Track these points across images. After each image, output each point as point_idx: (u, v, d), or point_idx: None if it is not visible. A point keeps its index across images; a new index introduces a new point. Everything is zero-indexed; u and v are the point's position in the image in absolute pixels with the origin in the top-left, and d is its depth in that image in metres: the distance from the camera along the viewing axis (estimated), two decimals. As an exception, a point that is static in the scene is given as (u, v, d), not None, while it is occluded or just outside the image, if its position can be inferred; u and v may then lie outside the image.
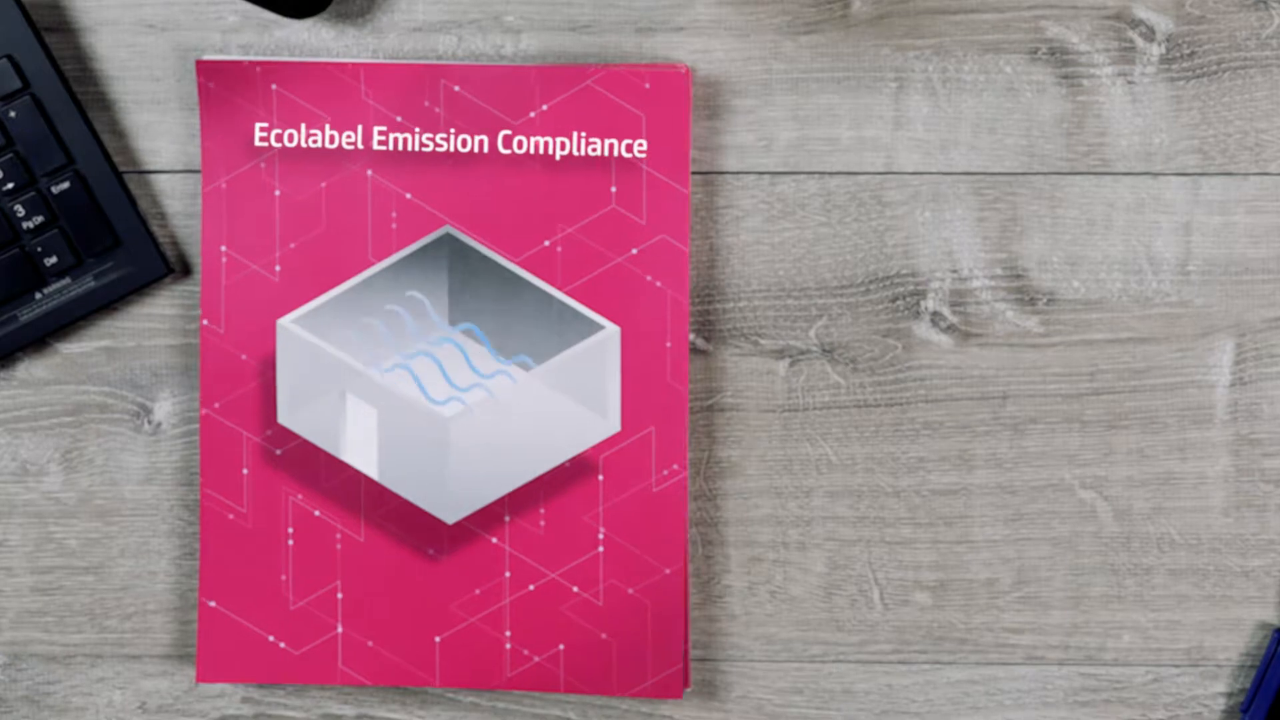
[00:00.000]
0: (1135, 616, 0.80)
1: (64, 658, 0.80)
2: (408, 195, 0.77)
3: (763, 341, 0.79)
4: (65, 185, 0.77)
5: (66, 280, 0.78)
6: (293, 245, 0.77)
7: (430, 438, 0.78)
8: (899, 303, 0.79)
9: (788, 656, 0.80)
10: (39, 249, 0.77)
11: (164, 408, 0.80)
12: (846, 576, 0.80)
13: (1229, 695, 0.80)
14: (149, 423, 0.80)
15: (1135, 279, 0.79)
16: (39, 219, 0.77)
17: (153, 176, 0.79)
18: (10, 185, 0.77)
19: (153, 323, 0.79)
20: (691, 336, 0.79)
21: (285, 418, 0.78)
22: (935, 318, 0.79)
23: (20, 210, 0.77)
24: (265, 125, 0.77)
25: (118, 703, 0.80)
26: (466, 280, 0.77)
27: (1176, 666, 0.80)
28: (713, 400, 0.80)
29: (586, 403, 0.78)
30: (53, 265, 0.77)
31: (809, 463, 0.80)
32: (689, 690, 0.80)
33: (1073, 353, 0.79)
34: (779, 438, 0.80)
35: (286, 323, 0.77)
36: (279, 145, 0.77)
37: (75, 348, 0.80)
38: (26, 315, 0.78)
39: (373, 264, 0.77)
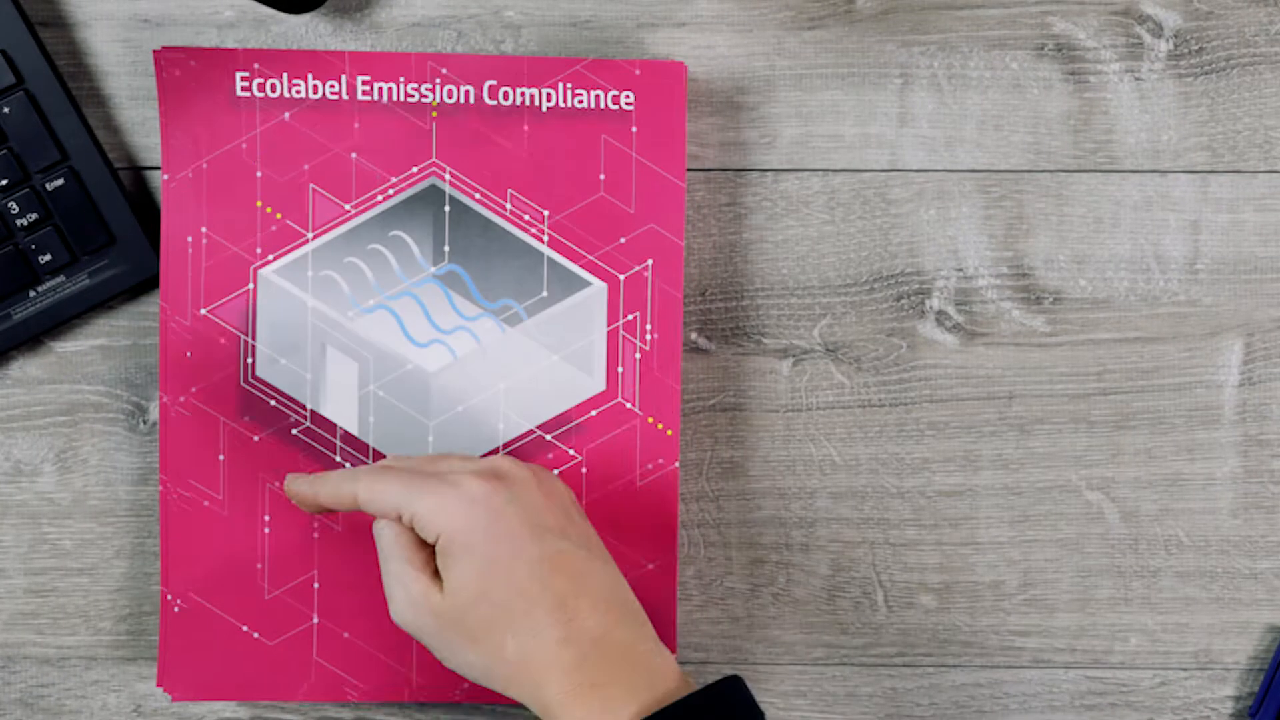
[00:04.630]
0: (1142, 619, 0.79)
1: (58, 660, 0.80)
2: (393, 147, 0.76)
3: (766, 341, 0.79)
4: (59, 182, 0.76)
5: (61, 278, 0.77)
6: (273, 210, 0.76)
7: (413, 392, 0.77)
8: (904, 302, 0.79)
9: (791, 659, 0.80)
10: (33, 246, 0.76)
11: (159, 406, 0.79)
12: (850, 579, 0.79)
13: (1237, 699, 0.79)
14: (144, 422, 0.79)
15: (1143, 278, 0.78)
16: (33, 216, 0.76)
17: (148, 173, 0.78)
18: (4, 182, 0.76)
19: (148, 320, 0.79)
20: (694, 335, 0.79)
21: (264, 370, 0.77)
22: (940, 317, 0.79)
23: (14, 207, 0.76)
24: (246, 75, 0.76)
25: (112, 706, 0.80)
26: (452, 228, 0.77)
27: (1184, 670, 0.79)
28: (715, 400, 0.79)
29: (572, 360, 0.77)
30: (47, 263, 0.76)
31: (812, 463, 0.79)
32: (691, 694, 0.79)
33: (1079, 352, 0.79)
34: (782, 438, 0.79)
35: (268, 273, 0.77)
36: (260, 95, 0.76)
37: (70, 346, 0.79)
38: (20, 313, 0.77)
39: (356, 216, 0.77)
